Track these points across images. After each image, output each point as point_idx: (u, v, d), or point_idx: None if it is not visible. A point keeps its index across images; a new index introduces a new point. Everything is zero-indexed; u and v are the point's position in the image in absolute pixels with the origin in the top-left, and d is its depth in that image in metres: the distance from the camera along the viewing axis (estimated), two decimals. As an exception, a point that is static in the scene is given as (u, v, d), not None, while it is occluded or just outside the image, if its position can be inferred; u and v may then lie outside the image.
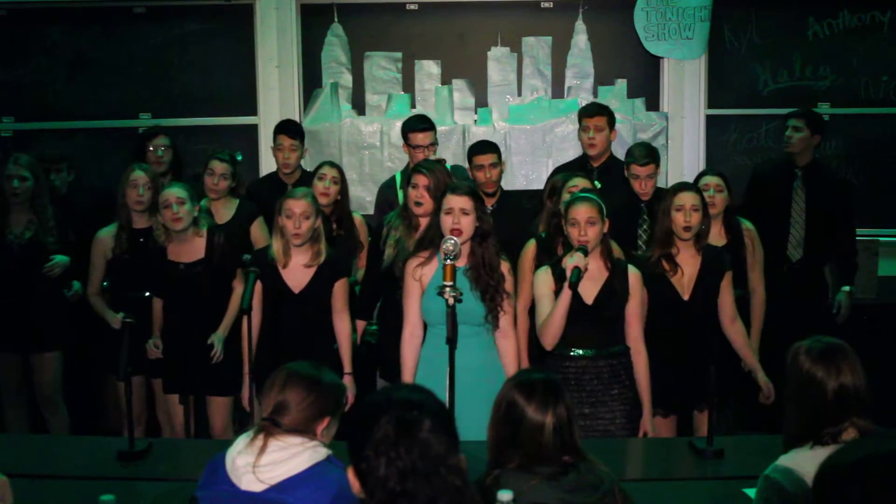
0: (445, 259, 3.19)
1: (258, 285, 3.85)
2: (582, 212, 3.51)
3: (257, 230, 4.57)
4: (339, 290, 3.94)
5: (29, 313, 4.46)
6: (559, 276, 3.51)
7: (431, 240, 3.59)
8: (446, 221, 3.48)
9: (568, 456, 2.20)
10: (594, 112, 4.75)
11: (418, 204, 3.90)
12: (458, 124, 5.69)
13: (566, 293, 3.45)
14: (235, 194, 4.66)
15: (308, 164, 4.99)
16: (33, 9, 5.70)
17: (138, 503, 2.93)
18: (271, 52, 5.72)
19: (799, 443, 2.31)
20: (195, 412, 4.33)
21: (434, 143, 4.64)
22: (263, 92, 5.76)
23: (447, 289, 3.10)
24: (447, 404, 2.90)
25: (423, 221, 3.82)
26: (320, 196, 4.33)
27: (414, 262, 3.61)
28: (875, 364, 2.57)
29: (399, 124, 5.29)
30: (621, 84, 5.75)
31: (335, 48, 5.77)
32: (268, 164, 5.54)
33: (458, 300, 3.13)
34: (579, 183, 4.00)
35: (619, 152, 4.93)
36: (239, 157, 4.87)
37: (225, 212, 4.58)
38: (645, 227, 4.39)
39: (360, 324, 4.25)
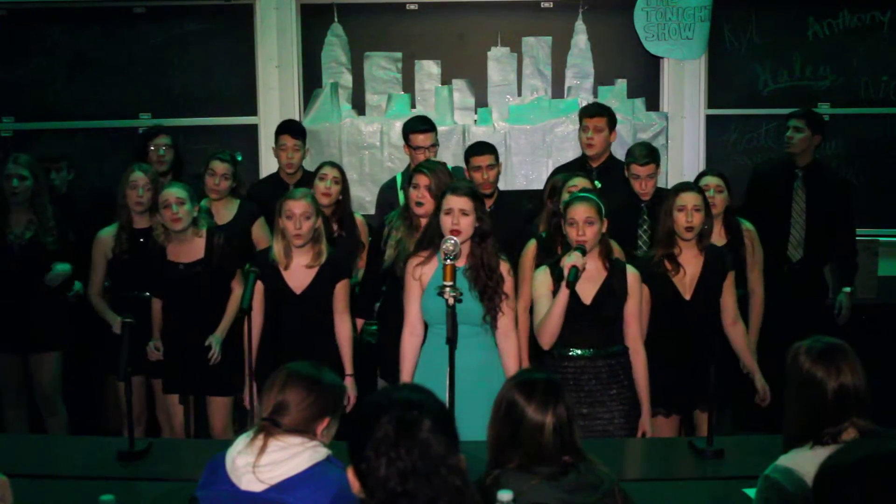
0: (445, 259, 3.20)
1: (260, 286, 3.86)
2: (580, 212, 3.52)
3: (259, 231, 4.57)
4: (341, 291, 3.94)
5: (29, 314, 4.46)
6: (557, 275, 3.52)
7: (431, 240, 3.59)
8: (446, 222, 3.48)
9: (568, 456, 2.20)
10: (594, 112, 4.75)
11: (419, 204, 3.90)
12: (458, 124, 5.69)
13: (564, 293, 3.45)
14: (236, 195, 4.66)
15: (308, 165, 4.99)
16: (33, 9, 5.70)
17: (138, 503, 2.92)
18: (271, 52, 5.72)
19: (799, 443, 2.31)
20: (195, 412, 4.33)
21: (435, 145, 4.64)
22: (263, 92, 5.76)
23: (447, 289, 3.11)
24: (447, 404, 2.90)
25: (424, 222, 3.82)
26: (322, 196, 4.34)
27: (414, 262, 3.61)
28: (875, 364, 2.57)
29: (399, 124, 5.29)
30: (621, 84, 5.75)
31: (335, 48, 5.77)
32: (268, 164, 5.55)
33: (458, 300, 3.13)
34: (579, 183, 4.00)
35: (619, 152, 4.93)
36: (239, 158, 4.87)
37: (226, 212, 4.58)
38: (645, 227, 4.39)
39: (359, 322, 4.26)
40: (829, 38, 5.72)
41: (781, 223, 4.87)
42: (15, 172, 4.41)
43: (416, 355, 3.61)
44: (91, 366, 4.74)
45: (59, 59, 5.72)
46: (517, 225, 4.42)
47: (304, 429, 2.27)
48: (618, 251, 3.91)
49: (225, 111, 5.78)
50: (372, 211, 5.03)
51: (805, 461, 2.20)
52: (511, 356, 3.58)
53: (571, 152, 5.44)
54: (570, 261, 3.43)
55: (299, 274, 3.89)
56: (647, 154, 4.41)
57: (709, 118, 5.80)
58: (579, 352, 3.58)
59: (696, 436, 3.73)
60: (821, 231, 4.88)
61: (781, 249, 4.86)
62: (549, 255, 3.80)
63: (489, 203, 4.41)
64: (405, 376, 3.60)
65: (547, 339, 3.55)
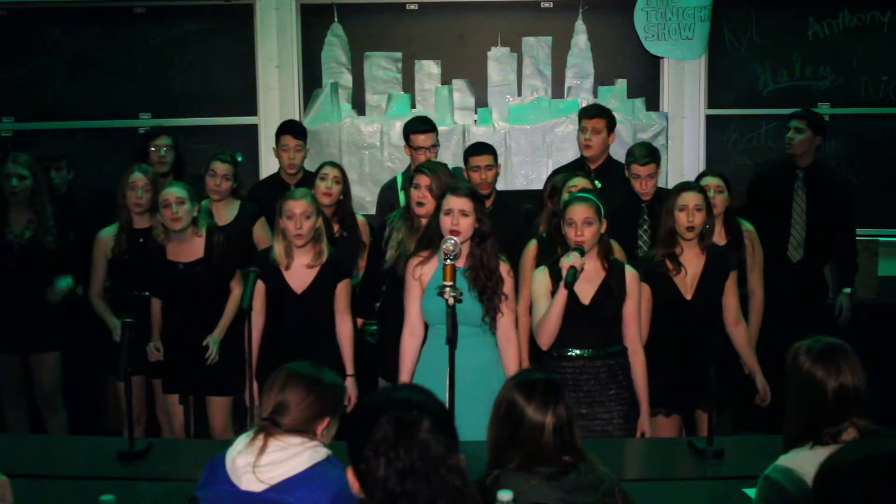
0: (445, 259, 3.19)
1: (261, 286, 3.86)
2: (579, 212, 3.52)
3: (260, 232, 4.57)
4: (342, 291, 3.94)
5: (28, 313, 4.46)
6: (556, 276, 3.52)
7: (431, 240, 3.59)
8: (445, 222, 3.48)
9: (568, 456, 2.20)
10: (593, 114, 4.74)
11: (420, 204, 3.90)
12: (458, 124, 5.69)
13: (562, 293, 3.45)
14: (237, 196, 4.66)
15: (308, 165, 4.99)
16: (33, 9, 5.70)
17: (138, 503, 2.92)
18: (271, 52, 5.72)
19: (799, 443, 2.31)
20: (195, 412, 4.33)
21: (436, 145, 4.64)
22: (263, 92, 5.76)
23: (447, 289, 3.11)
24: (447, 404, 2.90)
25: (425, 222, 3.82)
26: (323, 196, 4.34)
27: (414, 262, 3.62)
28: (875, 364, 2.57)
29: (399, 124, 5.30)
30: (621, 84, 5.75)
31: (335, 48, 5.77)
32: (268, 164, 5.55)
33: (458, 300, 3.13)
34: (579, 183, 4.00)
35: (620, 153, 4.92)
36: (239, 159, 4.87)
37: (227, 213, 4.58)
38: (646, 227, 4.39)
39: (359, 321, 4.26)
40: (829, 38, 5.72)
41: (782, 224, 4.87)
42: (14, 172, 4.40)
43: (415, 355, 3.61)
44: (91, 366, 4.73)
45: (59, 59, 5.72)
46: (516, 225, 4.41)
47: (304, 429, 2.27)
48: (618, 251, 3.91)
49: (225, 111, 5.78)
50: (372, 211, 5.03)
51: (805, 461, 2.20)
52: (511, 357, 3.58)
53: (571, 152, 5.44)
54: (568, 261, 3.43)
55: (300, 274, 3.89)
56: (648, 154, 4.40)
57: (709, 118, 5.80)
58: (578, 352, 3.58)
59: (696, 436, 3.73)
60: (821, 232, 4.88)
61: (782, 250, 4.86)
62: (550, 256, 3.79)
63: (487, 204, 4.41)
64: (404, 376, 3.60)
65: (545, 340, 3.55)
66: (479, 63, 5.79)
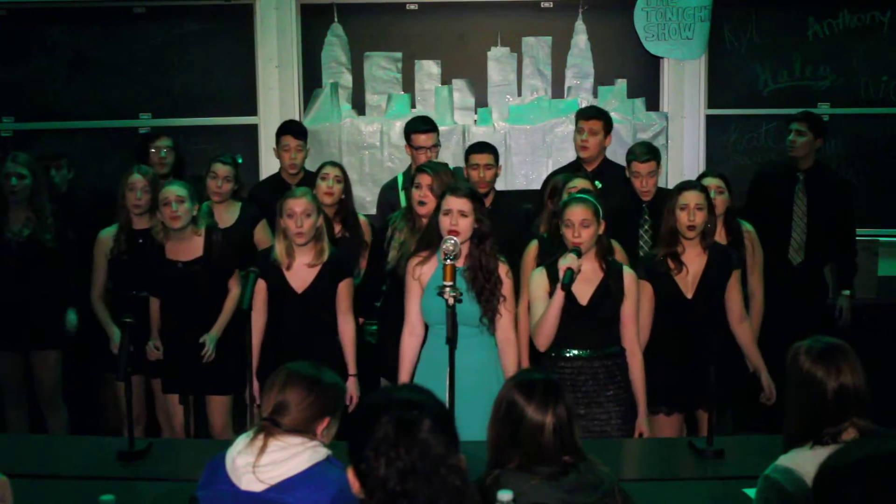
0: (445, 259, 3.19)
1: (262, 286, 3.86)
2: (577, 213, 3.52)
3: (261, 234, 4.57)
4: (344, 290, 3.94)
5: (28, 311, 4.46)
6: (554, 277, 3.52)
7: (430, 240, 3.59)
8: (444, 222, 3.48)
9: (568, 456, 2.20)
10: (590, 115, 4.74)
11: (422, 203, 3.90)
12: (458, 124, 5.69)
13: (559, 294, 3.45)
14: (237, 197, 4.67)
15: (308, 165, 4.99)
16: (33, 9, 5.70)
17: (138, 503, 2.92)
18: (271, 52, 5.72)
19: (799, 443, 2.31)
20: (195, 412, 4.33)
21: (437, 145, 4.64)
22: (263, 92, 5.76)
23: (447, 289, 3.10)
24: (447, 404, 2.90)
25: (427, 222, 3.82)
26: (324, 196, 4.34)
27: (413, 262, 3.62)
28: (875, 364, 2.57)
29: (399, 124, 5.30)
30: (621, 84, 5.75)
31: (335, 48, 5.77)
32: (268, 164, 5.55)
33: (457, 300, 3.13)
34: (579, 184, 4.00)
35: (620, 153, 4.93)
36: (240, 160, 4.87)
37: (228, 216, 4.58)
38: (646, 227, 4.39)
39: (359, 320, 4.25)
40: (829, 38, 5.72)
41: (782, 226, 4.87)
42: (14, 171, 4.41)
43: (415, 355, 3.62)
44: (91, 366, 4.73)
45: (59, 59, 5.72)
46: (515, 226, 4.41)
47: (304, 429, 2.27)
48: (620, 252, 3.92)
49: (225, 111, 5.78)
50: (372, 211, 5.03)
51: (805, 461, 2.20)
52: (510, 358, 3.58)
53: (571, 152, 5.42)
54: (565, 263, 3.44)
55: (301, 273, 3.89)
56: (648, 151, 4.41)
57: (709, 118, 5.80)
58: (576, 352, 3.58)
59: (697, 435, 3.73)
60: (822, 233, 4.88)
61: (782, 253, 4.86)
62: (551, 256, 3.79)
63: (486, 203, 4.41)
64: (404, 376, 3.60)
65: (543, 341, 3.55)
66: (479, 63, 5.79)
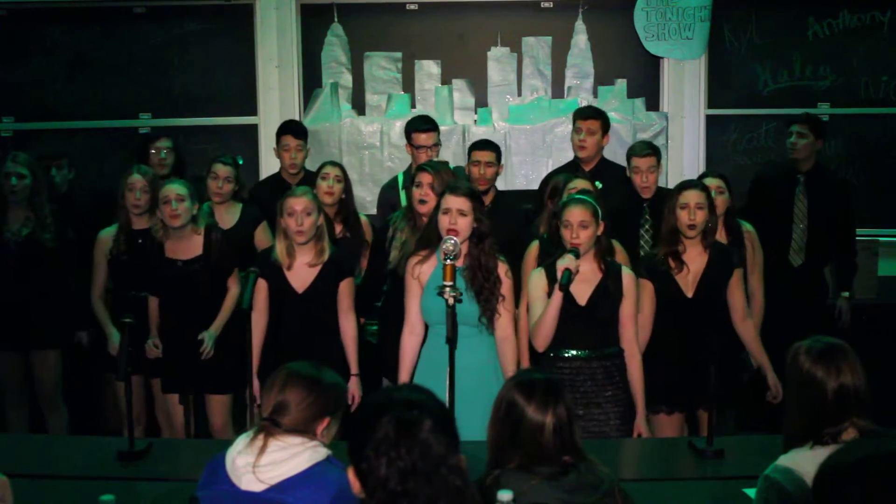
0: (445, 259, 3.19)
1: (264, 285, 3.86)
2: (575, 214, 3.52)
3: (261, 235, 4.57)
4: (345, 289, 3.94)
5: (28, 311, 4.46)
6: (552, 277, 3.51)
7: (430, 239, 3.59)
8: (443, 221, 3.48)
9: (568, 456, 2.20)
10: (588, 115, 4.75)
11: (422, 202, 3.90)
12: (458, 124, 5.69)
13: (557, 295, 3.45)
14: (238, 198, 4.67)
15: (308, 165, 4.99)
16: (33, 9, 5.70)
17: (138, 503, 2.92)
18: (271, 52, 5.72)
19: (799, 443, 2.31)
20: (195, 412, 4.33)
21: (437, 144, 4.64)
22: (263, 92, 5.76)
23: (447, 289, 3.10)
24: (447, 404, 2.90)
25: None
26: (324, 196, 4.34)
27: (413, 261, 3.62)
28: (875, 364, 2.57)
29: (399, 124, 5.30)
30: (621, 84, 5.75)
31: (335, 48, 5.77)
32: (268, 164, 5.55)
33: (457, 300, 3.13)
34: (579, 184, 3.99)
35: (620, 153, 4.93)
36: (240, 161, 4.87)
37: (228, 216, 4.58)
38: (647, 226, 4.39)
39: (360, 320, 4.26)
40: (829, 38, 5.72)
41: (783, 228, 4.87)
42: (14, 171, 4.41)
43: (415, 354, 3.62)
44: (91, 366, 4.73)
45: (59, 59, 5.72)
46: (515, 225, 4.41)
47: (304, 429, 2.27)
48: (621, 252, 3.92)
49: (225, 111, 5.78)
50: (373, 211, 5.03)
51: (805, 461, 2.20)
52: (509, 358, 3.57)
53: (571, 152, 5.41)
54: (562, 264, 3.43)
55: (302, 273, 3.89)
56: (648, 147, 4.46)
57: (709, 118, 5.80)
58: (574, 353, 3.58)
59: (699, 434, 3.73)
60: (822, 235, 4.88)
61: (783, 254, 4.85)
62: (551, 257, 3.79)
63: (486, 201, 4.41)
64: (404, 375, 3.60)
65: (541, 342, 3.55)
66: (479, 63, 5.79)
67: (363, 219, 4.64)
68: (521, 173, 5.69)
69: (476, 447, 2.29)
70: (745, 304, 3.92)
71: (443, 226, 3.47)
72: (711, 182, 4.19)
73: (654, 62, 5.81)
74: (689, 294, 3.83)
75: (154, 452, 3.31)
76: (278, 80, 5.74)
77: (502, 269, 3.58)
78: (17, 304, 4.44)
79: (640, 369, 3.63)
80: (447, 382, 3.07)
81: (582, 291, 3.56)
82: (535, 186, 5.23)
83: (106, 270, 4.39)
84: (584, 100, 5.65)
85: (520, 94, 5.80)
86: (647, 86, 5.82)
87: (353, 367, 3.94)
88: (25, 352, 4.53)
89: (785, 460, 2.29)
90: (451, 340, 3.08)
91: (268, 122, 5.64)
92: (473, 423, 2.57)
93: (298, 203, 3.81)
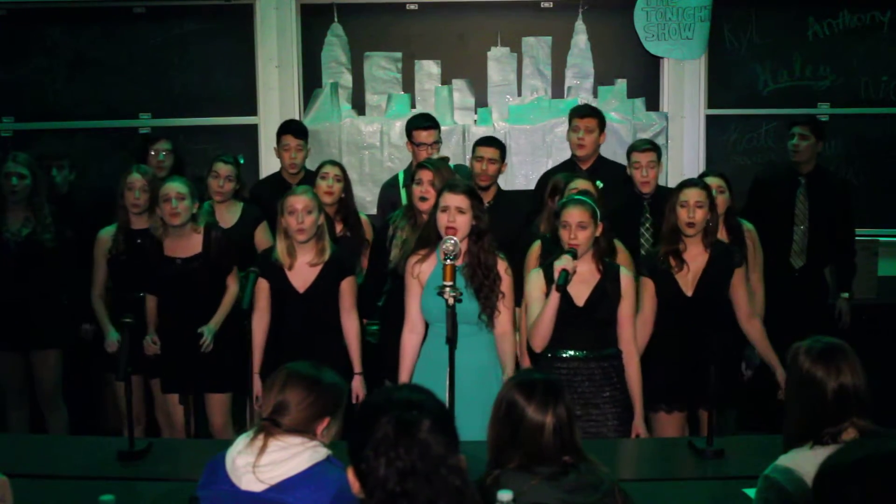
0: (445, 259, 3.19)
1: (266, 285, 3.86)
2: (574, 215, 3.51)
3: (261, 235, 4.57)
4: (347, 288, 3.94)
5: (28, 311, 4.46)
6: (550, 278, 3.51)
7: (429, 238, 3.59)
8: (442, 219, 3.48)
9: (568, 456, 2.20)
10: (585, 113, 4.75)
11: (423, 199, 3.91)
12: (458, 124, 5.69)
13: (554, 296, 3.45)
14: (239, 197, 4.67)
15: (309, 165, 4.99)
16: (33, 9, 5.70)
17: (138, 503, 2.92)
18: (271, 52, 5.72)
19: (799, 443, 2.31)
20: (195, 412, 4.33)
21: (438, 142, 4.65)
22: (263, 92, 5.76)
23: (447, 289, 3.10)
24: (447, 404, 2.90)
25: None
26: (324, 195, 4.34)
27: (412, 260, 3.62)
28: (875, 364, 2.57)
29: (399, 124, 5.31)
30: (621, 84, 5.75)
31: (335, 48, 5.77)
32: (268, 164, 5.55)
33: (457, 300, 3.13)
34: (580, 185, 3.99)
35: (620, 153, 4.93)
36: (241, 160, 4.87)
37: (229, 216, 4.58)
38: (647, 225, 4.39)
39: (362, 321, 4.26)
40: (829, 38, 5.72)
41: (784, 231, 4.86)
42: (15, 171, 4.42)
43: (416, 353, 3.62)
44: (91, 366, 4.73)
45: (59, 59, 5.72)
46: (515, 224, 4.41)
47: (304, 429, 2.27)
48: (623, 251, 3.92)
49: (225, 111, 5.77)
50: (373, 211, 5.04)
51: (805, 461, 2.20)
52: (508, 352, 3.57)
53: (570, 152, 5.44)
54: (560, 264, 3.43)
55: (303, 272, 3.88)
56: (647, 142, 4.50)
57: (709, 118, 5.80)
58: (572, 353, 3.58)
59: (699, 434, 3.73)
60: (823, 236, 4.88)
61: (784, 256, 4.85)
62: (552, 256, 3.79)
63: (487, 198, 4.42)
64: (404, 374, 3.61)
65: (538, 342, 3.54)
66: (479, 63, 5.78)
67: (363, 218, 4.64)
68: (521, 173, 5.69)
69: (476, 447, 2.29)
70: (748, 302, 3.90)
71: (441, 224, 3.47)
72: (712, 181, 4.19)
73: (654, 62, 5.81)
74: (689, 293, 3.82)
75: (154, 452, 3.31)
76: (278, 80, 5.74)
77: (502, 266, 3.58)
78: (17, 304, 4.45)
79: (638, 370, 3.63)
80: (447, 382, 3.07)
81: (580, 292, 3.56)
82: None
83: (105, 270, 4.39)
84: (584, 100, 5.65)
85: (520, 94, 5.80)
86: (647, 86, 5.82)
87: (357, 367, 3.94)
88: (26, 352, 4.53)
89: (785, 460, 2.29)
90: (451, 340, 3.08)
91: (268, 122, 5.64)
92: (473, 423, 2.57)
93: (299, 201, 3.81)
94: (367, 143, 5.67)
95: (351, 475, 1.76)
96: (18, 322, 4.47)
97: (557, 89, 5.82)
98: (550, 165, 5.45)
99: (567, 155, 5.31)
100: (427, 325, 3.62)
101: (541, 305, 3.53)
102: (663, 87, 5.83)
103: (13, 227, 4.44)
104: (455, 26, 5.82)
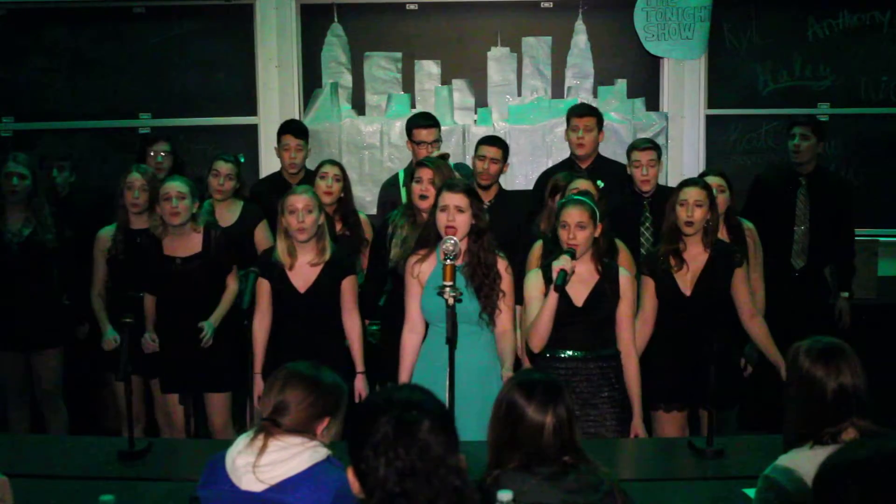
0: (445, 259, 3.19)
1: (267, 285, 3.85)
2: (573, 215, 3.51)
3: (261, 234, 4.57)
4: (348, 287, 3.93)
5: (29, 311, 4.46)
6: (549, 278, 3.51)
7: (428, 237, 3.59)
8: (441, 219, 3.48)
9: (568, 456, 2.20)
10: (584, 112, 4.75)
11: (423, 198, 3.91)
12: (458, 124, 5.69)
13: (552, 296, 3.45)
14: (239, 196, 4.67)
15: (309, 165, 4.99)
16: (33, 9, 5.70)
17: (138, 503, 2.92)
18: (271, 52, 5.72)
19: (799, 443, 2.31)
20: (195, 412, 4.33)
21: (438, 140, 4.65)
22: (263, 92, 5.76)
23: (447, 289, 3.10)
24: (447, 404, 2.90)
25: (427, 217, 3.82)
26: (323, 195, 4.34)
27: (412, 260, 3.62)
28: (875, 364, 2.57)
29: (399, 124, 5.31)
30: (621, 84, 5.75)
31: (335, 48, 5.77)
32: (268, 164, 5.55)
33: (457, 300, 3.12)
34: (581, 185, 3.99)
35: (620, 153, 4.93)
36: (242, 159, 4.87)
37: (229, 214, 4.58)
38: (647, 224, 4.39)
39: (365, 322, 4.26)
40: (829, 38, 5.72)
41: (785, 231, 4.86)
42: (15, 171, 4.42)
43: (415, 353, 3.62)
44: (91, 366, 4.73)
45: (59, 59, 5.72)
46: (516, 223, 4.41)
47: (304, 429, 2.26)
48: (625, 251, 3.92)
49: (225, 111, 5.78)
50: (372, 211, 5.04)
51: (805, 461, 2.20)
52: (507, 350, 3.56)
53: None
54: (558, 264, 3.43)
55: (304, 272, 3.88)
56: (647, 141, 4.51)
57: (709, 118, 5.80)
58: (570, 353, 3.58)
59: (700, 434, 3.73)
60: (823, 236, 4.88)
61: (785, 257, 4.85)
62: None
63: (488, 197, 4.42)
64: (404, 373, 3.61)
65: (536, 342, 3.54)
66: (479, 63, 5.78)
67: (362, 217, 4.64)
68: (521, 173, 5.69)
69: (476, 447, 2.29)
70: (750, 301, 3.88)
71: (441, 223, 3.47)
72: (712, 180, 4.18)
73: (654, 62, 5.81)
74: (688, 293, 3.82)
75: (154, 452, 3.31)
76: (278, 80, 5.74)
77: (502, 264, 3.58)
78: (19, 304, 4.45)
79: (636, 371, 3.62)
80: (447, 382, 3.07)
81: (579, 292, 3.56)
82: (535, 187, 5.24)
83: (105, 269, 4.39)
84: (584, 100, 5.64)
85: (520, 94, 5.80)
86: (647, 86, 5.82)
87: (359, 366, 3.94)
88: (26, 352, 4.53)
89: (785, 460, 2.29)
90: (451, 340, 3.08)
91: (268, 122, 5.65)
92: (473, 423, 2.57)
93: (300, 200, 3.81)
94: (367, 143, 5.67)
95: (351, 475, 1.76)
96: (19, 322, 4.47)
97: (557, 89, 5.82)
98: (550, 165, 5.45)
99: (567, 155, 5.32)
100: (427, 325, 3.62)
101: (539, 305, 3.52)
102: (663, 87, 5.83)
103: (14, 227, 4.45)
104: (455, 26, 5.82)
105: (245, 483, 2.24)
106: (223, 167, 4.55)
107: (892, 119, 5.74)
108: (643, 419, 3.67)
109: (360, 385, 3.90)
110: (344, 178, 4.52)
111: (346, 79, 5.79)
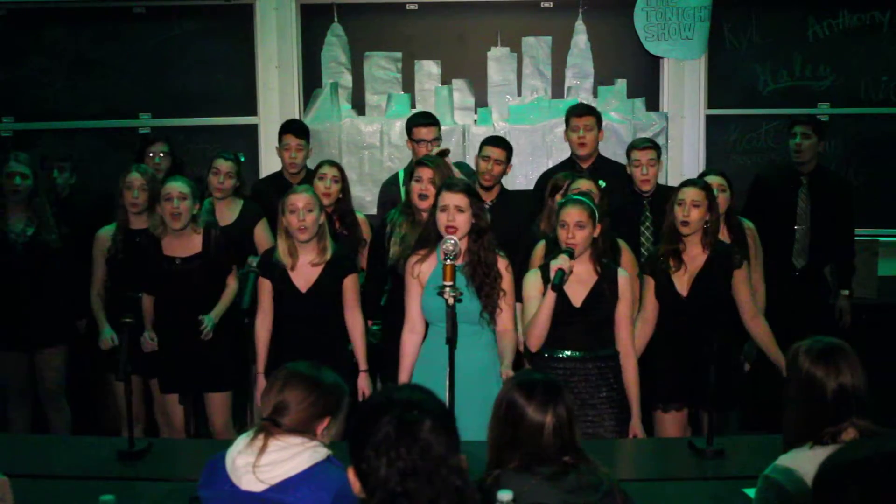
0: (445, 259, 3.19)
1: (269, 285, 3.85)
2: (572, 215, 3.51)
3: (261, 232, 4.57)
4: (350, 285, 3.93)
5: (33, 311, 4.47)
6: (547, 278, 3.51)
7: (428, 237, 3.59)
8: (441, 219, 3.48)
9: (568, 456, 2.20)
10: (583, 112, 4.75)
11: (423, 197, 3.91)
12: (458, 124, 5.69)
13: (550, 296, 3.46)
14: (239, 195, 4.67)
15: (309, 165, 4.99)
16: (33, 9, 5.70)
17: (138, 503, 2.92)
18: (271, 52, 5.72)
19: (799, 443, 2.31)
20: (195, 412, 4.33)
21: (438, 139, 4.66)
22: (263, 92, 5.76)
23: (447, 289, 3.11)
24: (447, 404, 2.90)
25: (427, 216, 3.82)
26: (322, 196, 4.33)
27: (412, 260, 3.62)
28: (875, 364, 2.57)
29: (399, 124, 5.31)
30: (621, 84, 5.75)
31: (335, 48, 5.77)
32: (268, 164, 5.55)
33: (458, 300, 3.13)
34: (583, 185, 3.99)
35: (620, 153, 4.93)
36: (242, 158, 4.87)
37: (229, 212, 4.59)
38: (647, 223, 4.39)
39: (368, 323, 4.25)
40: (829, 38, 5.72)
41: (786, 231, 4.86)
42: (17, 170, 4.42)
43: (416, 352, 3.62)
44: (91, 366, 4.73)
45: (59, 59, 5.72)
46: (517, 222, 4.41)
47: (304, 429, 2.26)
48: (626, 251, 3.93)
49: (225, 111, 5.78)
50: (372, 211, 5.04)
51: (805, 461, 2.20)
52: (508, 349, 3.55)
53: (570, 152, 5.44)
54: (556, 264, 3.44)
55: (305, 272, 3.88)
56: (647, 140, 4.51)
57: (709, 118, 5.80)
58: (568, 353, 3.58)
59: (702, 434, 3.72)
60: (824, 236, 4.88)
61: (786, 256, 4.85)
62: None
63: (490, 197, 4.42)
64: (404, 373, 3.61)
65: (534, 342, 3.54)
66: (479, 63, 5.78)
67: (360, 217, 4.64)
68: (522, 173, 5.69)
69: (476, 447, 2.29)
70: (751, 301, 3.87)
71: (441, 223, 3.47)
72: (713, 180, 4.18)
73: (654, 62, 5.81)
74: (684, 293, 3.82)
75: (154, 452, 3.31)
76: (278, 81, 5.74)
77: (502, 264, 3.58)
78: (23, 303, 4.45)
79: (635, 371, 3.62)
80: (447, 382, 3.07)
81: (577, 292, 3.56)
82: (535, 187, 5.23)
83: (104, 268, 4.39)
84: (584, 100, 5.64)
85: (520, 94, 5.80)
86: (647, 86, 5.82)
87: (362, 364, 3.94)
88: (29, 351, 4.54)
89: (785, 460, 2.29)
90: (451, 340, 3.08)
91: (268, 122, 5.65)
92: (473, 423, 2.57)
93: (300, 200, 3.81)
94: (367, 142, 5.67)
95: (352, 475, 1.76)
96: (23, 321, 4.47)
97: (557, 89, 5.82)
98: (550, 165, 5.46)
99: (567, 154, 5.32)
100: (427, 325, 3.62)
101: (537, 305, 3.52)
102: (663, 87, 5.83)
103: (16, 227, 4.45)
104: (455, 26, 5.82)
105: (245, 483, 2.24)
106: (223, 165, 4.55)
107: (892, 119, 5.73)
108: (643, 420, 3.67)
109: (364, 383, 3.90)
110: (342, 179, 4.52)
111: (346, 79, 5.79)
